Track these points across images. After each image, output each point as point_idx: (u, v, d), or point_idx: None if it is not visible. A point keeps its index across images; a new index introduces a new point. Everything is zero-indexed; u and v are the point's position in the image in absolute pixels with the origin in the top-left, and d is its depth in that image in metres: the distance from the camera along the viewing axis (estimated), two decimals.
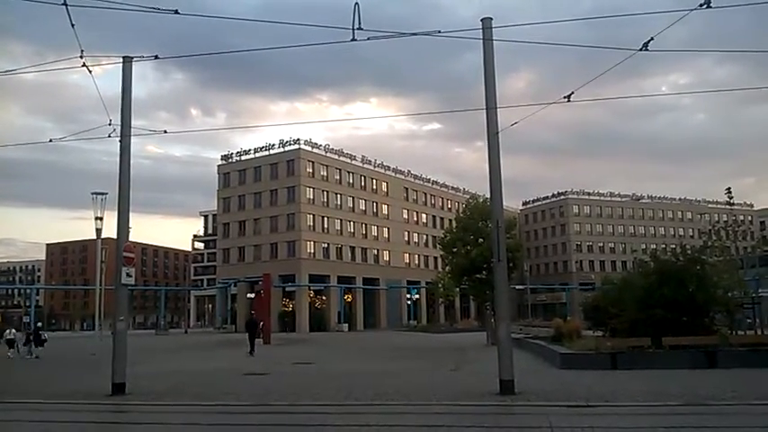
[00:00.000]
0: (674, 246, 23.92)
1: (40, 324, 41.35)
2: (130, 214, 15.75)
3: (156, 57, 14.75)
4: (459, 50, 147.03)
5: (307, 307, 76.06)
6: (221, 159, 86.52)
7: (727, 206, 27.80)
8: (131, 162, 15.87)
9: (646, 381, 15.19)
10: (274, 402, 13.21)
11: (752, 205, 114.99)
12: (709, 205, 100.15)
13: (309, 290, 77.97)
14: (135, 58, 16.02)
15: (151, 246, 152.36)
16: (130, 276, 15.47)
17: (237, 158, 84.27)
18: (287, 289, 76.26)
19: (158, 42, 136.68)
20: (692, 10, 11.40)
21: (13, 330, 35.62)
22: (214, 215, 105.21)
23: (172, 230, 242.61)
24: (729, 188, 26.92)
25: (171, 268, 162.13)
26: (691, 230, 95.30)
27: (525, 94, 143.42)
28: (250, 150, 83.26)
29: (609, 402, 11.96)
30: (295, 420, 11.42)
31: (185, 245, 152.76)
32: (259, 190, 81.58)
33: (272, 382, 17.36)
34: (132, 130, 15.95)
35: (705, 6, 11.10)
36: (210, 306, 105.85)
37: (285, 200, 78.96)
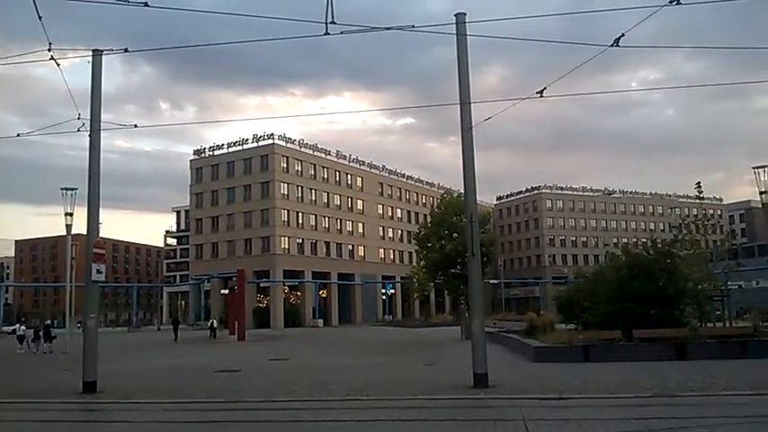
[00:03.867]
0: (644, 240, 24.24)
1: (49, 322, 42.16)
2: (101, 210, 15.50)
3: (126, 50, 14.47)
4: (432, 45, 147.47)
5: (281, 303, 75.72)
6: (194, 154, 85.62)
7: (697, 200, 28.17)
8: (101, 157, 15.61)
9: (617, 373, 15.43)
10: (248, 399, 13.12)
11: (721, 199, 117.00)
12: (680, 199, 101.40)
13: (284, 285, 77.65)
14: (105, 52, 15.74)
15: (122, 242, 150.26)
16: (101, 273, 15.23)
17: (210, 153, 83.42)
18: (261, 285, 75.85)
19: (127, 35, 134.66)
20: (662, 6, 11.54)
21: (23, 327, 37.41)
22: (187, 211, 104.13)
23: (143, 226, 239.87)
24: (699, 183, 27.32)
25: (143, 265, 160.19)
26: (661, 224, 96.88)
27: (499, 90, 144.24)
28: (223, 145, 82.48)
29: (581, 395, 12.12)
30: (269, 417, 11.37)
31: (157, 241, 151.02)
32: (232, 185, 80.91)
33: (246, 379, 17.25)
34: (102, 124, 15.68)
35: (675, 3, 11.24)
36: (184, 303, 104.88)
37: (259, 195, 78.44)
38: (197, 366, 21.80)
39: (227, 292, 65.17)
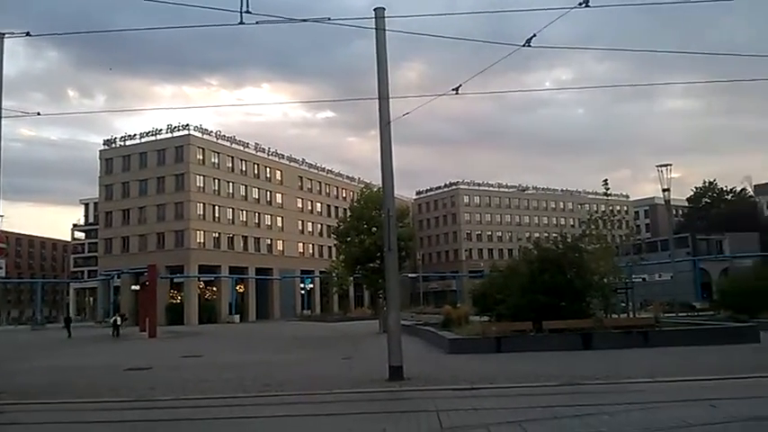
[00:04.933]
0: (555, 234, 25.13)
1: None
2: (2, 202, 14.67)
3: (28, 34, 13.81)
4: (354, 38, 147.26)
5: (196, 298, 73.99)
6: (103, 144, 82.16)
7: (604, 197, 29.47)
8: (2, 145, 14.75)
9: (527, 363, 15.96)
10: (159, 397, 12.71)
11: (627, 196, 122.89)
12: (589, 196, 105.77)
13: (199, 281, 75.96)
14: (6, 35, 14.91)
15: (26, 236, 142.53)
16: (1, 268, 14.40)
17: (122, 143, 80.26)
18: (175, 280, 74.00)
19: (31, 18, 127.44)
20: (572, 8, 11.97)
21: None
22: (96, 203, 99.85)
23: (49, 219, 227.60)
24: (606, 180, 28.63)
25: (48, 259, 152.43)
26: (571, 220, 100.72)
27: (419, 85, 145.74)
28: (135, 135, 79.52)
29: (492, 384, 12.48)
30: (180, 415, 11.05)
31: (64, 234, 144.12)
32: (145, 177, 78.21)
33: (158, 377, 16.73)
34: (2, 111, 14.85)
35: (584, 5, 11.69)
36: (92, 299, 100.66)
37: (173, 188, 76.22)
38: (104, 365, 21.00)
39: (138, 288, 63.11)
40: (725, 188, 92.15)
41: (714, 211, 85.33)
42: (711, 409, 8.96)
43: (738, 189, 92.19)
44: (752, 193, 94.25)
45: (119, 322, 43.54)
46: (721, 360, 15.68)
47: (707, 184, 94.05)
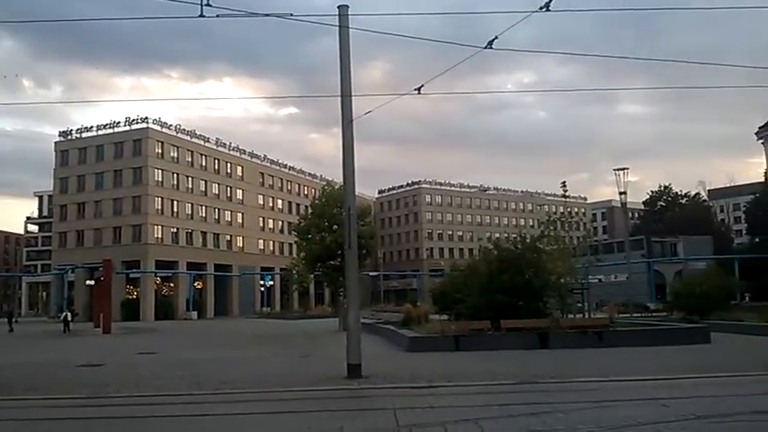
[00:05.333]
0: (515, 235, 25.43)
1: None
2: None
3: None
4: (318, 34, 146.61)
5: (153, 294, 72.78)
6: (59, 136, 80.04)
7: (563, 199, 29.93)
8: None
9: (484, 361, 16.10)
10: (112, 394, 12.45)
11: (585, 198, 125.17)
12: (548, 198, 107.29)
13: (156, 276, 74.70)
14: None
15: None
16: None
17: (78, 135, 78.28)
18: (131, 275, 72.61)
19: None
20: (532, 12, 12.11)
21: None
22: (50, 196, 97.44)
23: (1, 211, 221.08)
24: (564, 182, 29.14)
25: (0, 253, 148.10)
26: (531, 221, 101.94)
27: (384, 84, 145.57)
28: (92, 127, 77.66)
29: (450, 382, 12.55)
30: (134, 412, 10.84)
31: (17, 227, 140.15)
32: (101, 170, 76.45)
33: (111, 374, 16.38)
34: None
35: (545, 9, 11.83)
36: (45, 294, 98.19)
37: (131, 181, 74.73)
38: (56, 361, 20.44)
39: (92, 283, 61.76)
40: (680, 192, 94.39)
41: (669, 215, 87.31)
42: (662, 408, 9.16)
43: (693, 193, 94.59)
44: (706, 197, 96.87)
45: (69, 318, 42.43)
46: (673, 360, 16.06)
47: (662, 188, 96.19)
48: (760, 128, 43.11)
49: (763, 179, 69.58)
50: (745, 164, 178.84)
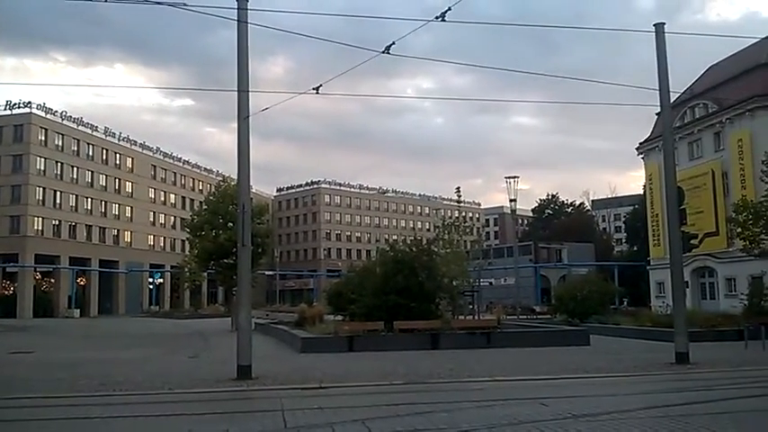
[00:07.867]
0: (410, 237, 25.91)
1: None
2: None
3: None
4: (216, 27, 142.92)
5: (31, 290, 68.47)
6: None
7: (457, 203, 30.79)
8: None
9: (376, 362, 16.27)
10: None
11: (479, 204, 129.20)
12: (444, 202, 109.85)
13: (35, 271, 70.33)
14: None
15: None
16: None
17: None
18: (8, 269, 68.19)
19: None
20: (429, 21, 12.42)
21: None
22: None
23: None
24: (459, 188, 30.11)
25: None
26: (427, 224, 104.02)
27: (285, 81, 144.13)
28: None
29: (341, 383, 12.60)
30: (4, 416, 10.08)
31: None
32: None
33: None
34: None
35: (441, 19, 12.18)
36: None
37: (10, 169, 69.99)
38: None
39: None
40: (566, 201, 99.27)
41: (555, 222, 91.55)
42: (542, 407, 9.58)
43: (578, 203, 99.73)
44: (589, 207, 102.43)
45: None
46: (555, 361, 16.86)
47: (550, 197, 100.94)
48: (641, 143, 46.14)
49: (642, 192, 74.46)
50: (626, 177, 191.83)
